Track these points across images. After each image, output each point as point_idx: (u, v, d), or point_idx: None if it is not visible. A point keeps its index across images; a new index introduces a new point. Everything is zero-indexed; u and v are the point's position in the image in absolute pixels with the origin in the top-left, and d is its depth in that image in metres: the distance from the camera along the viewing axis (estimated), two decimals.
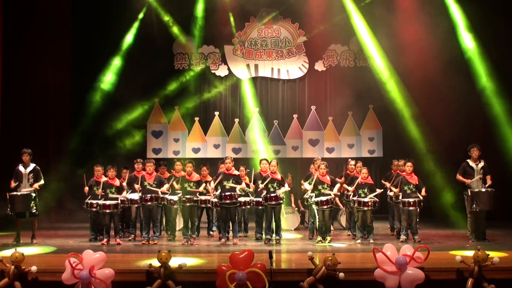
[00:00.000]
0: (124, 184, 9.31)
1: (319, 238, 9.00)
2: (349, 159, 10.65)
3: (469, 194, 8.90)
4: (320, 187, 8.93)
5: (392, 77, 13.54)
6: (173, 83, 14.28)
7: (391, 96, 13.52)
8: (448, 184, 11.86)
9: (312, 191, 9.02)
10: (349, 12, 13.80)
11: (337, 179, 9.71)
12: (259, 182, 8.98)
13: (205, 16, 13.90)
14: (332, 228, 9.86)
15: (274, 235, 9.03)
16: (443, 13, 12.91)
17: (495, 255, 6.25)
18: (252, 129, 14.35)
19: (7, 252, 7.16)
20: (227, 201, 8.76)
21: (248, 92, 14.56)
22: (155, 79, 14.00)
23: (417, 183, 9.09)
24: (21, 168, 9.09)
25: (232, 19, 14.39)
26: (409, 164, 9.21)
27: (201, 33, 14.21)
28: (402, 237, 9.02)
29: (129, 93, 13.72)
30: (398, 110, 13.45)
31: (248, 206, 9.52)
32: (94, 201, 9.10)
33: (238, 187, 8.86)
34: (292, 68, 14.65)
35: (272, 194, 8.87)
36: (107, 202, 8.89)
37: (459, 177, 9.17)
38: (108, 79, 13.67)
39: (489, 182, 8.91)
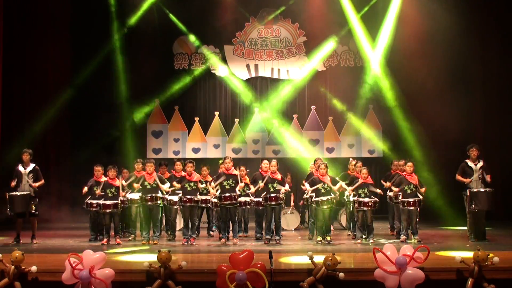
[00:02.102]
0: (124, 183, 9.30)
1: (319, 238, 9.00)
2: (351, 159, 10.63)
3: (468, 194, 8.88)
4: (320, 187, 8.92)
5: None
6: (173, 83, 14.28)
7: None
8: (449, 184, 11.85)
9: (312, 191, 9.01)
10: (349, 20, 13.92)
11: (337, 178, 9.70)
12: (260, 181, 8.98)
13: (206, 15, 13.88)
14: (332, 228, 9.85)
15: (274, 235, 9.03)
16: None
17: (495, 255, 6.24)
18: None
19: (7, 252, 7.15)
20: (227, 201, 8.77)
21: (248, 92, 14.56)
22: (155, 79, 13.98)
23: (417, 183, 9.08)
24: (20, 168, 9.07)
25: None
26: (409, 164, 9.19)
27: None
28: (402, 237, 9.01)
29: (129, 92, 13.71)
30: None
31: (248, 206, 9.53)
32: (94, 201, 9.10)
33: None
34: (292, 68, 14.64)
35: (272, 194, 8.87)
36: (107, 202, 8.89)
37: (458, 177, 9.14)
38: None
39: (488, 179, 8.83)
